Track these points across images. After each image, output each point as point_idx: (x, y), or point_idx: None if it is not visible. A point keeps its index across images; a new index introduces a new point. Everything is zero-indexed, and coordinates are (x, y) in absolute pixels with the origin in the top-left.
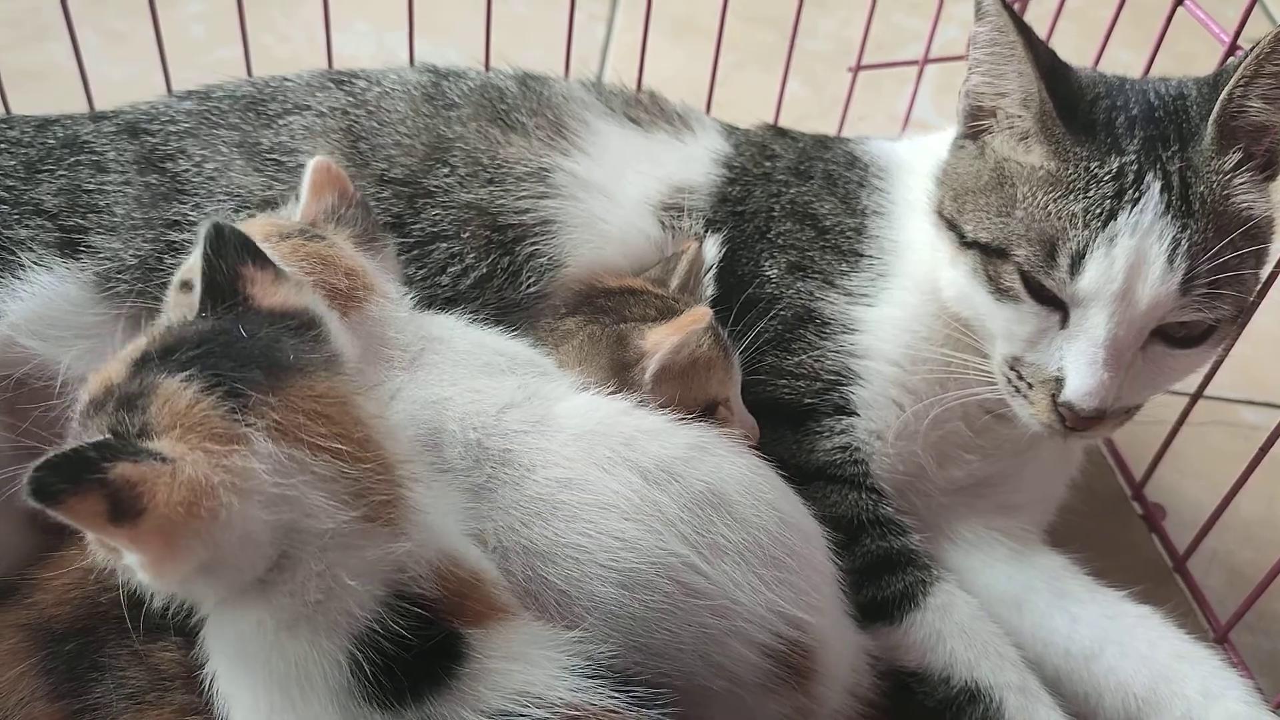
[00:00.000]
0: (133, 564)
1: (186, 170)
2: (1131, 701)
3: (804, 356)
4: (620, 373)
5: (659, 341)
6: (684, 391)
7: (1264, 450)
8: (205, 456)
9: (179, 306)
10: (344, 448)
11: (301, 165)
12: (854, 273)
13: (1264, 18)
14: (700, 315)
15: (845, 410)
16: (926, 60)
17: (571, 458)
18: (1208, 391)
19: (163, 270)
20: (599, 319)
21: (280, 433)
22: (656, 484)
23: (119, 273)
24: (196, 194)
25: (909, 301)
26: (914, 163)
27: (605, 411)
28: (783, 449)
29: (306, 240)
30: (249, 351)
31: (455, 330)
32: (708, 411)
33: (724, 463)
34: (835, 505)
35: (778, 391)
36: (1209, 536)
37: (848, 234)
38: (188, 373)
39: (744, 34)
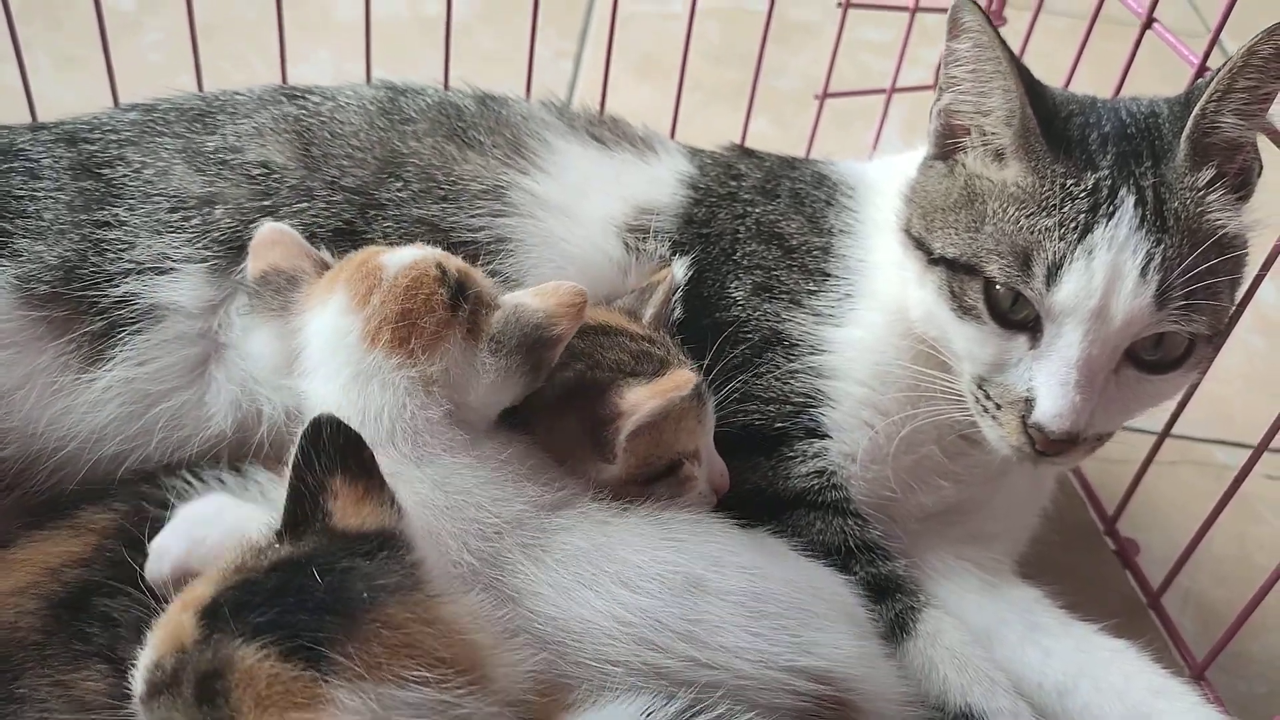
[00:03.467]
0: None
1: (124, 175)
2: None
3: (773, 380)
4: (595, 430)
5: (637, 404)
6: (652, 447)
7: (1234, 488)
8: None
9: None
10: (429, 673)
11: (248, 164)
12: (821, 293)
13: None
14: (684, 381)
15: (817, 433)
16: (894, 90)
17: (558, 584)
18: (1180, 431)
19: (84, 269)
20: (571, 364)
21: (363, 679)
22: (639, 591)
23: (39, 275)
24: (132, 197)
25: (877, 321)
26: (882, 182)
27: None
28: (759, 476)
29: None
30: (323, 598)
31: (473, 442)
32: (671, 470)
33: (695, 543)
34: (821, 533)
35: (749, 417)
36: (1182, 575)
37: (814, 253)
38: (263, 639)
39: (711, 73)
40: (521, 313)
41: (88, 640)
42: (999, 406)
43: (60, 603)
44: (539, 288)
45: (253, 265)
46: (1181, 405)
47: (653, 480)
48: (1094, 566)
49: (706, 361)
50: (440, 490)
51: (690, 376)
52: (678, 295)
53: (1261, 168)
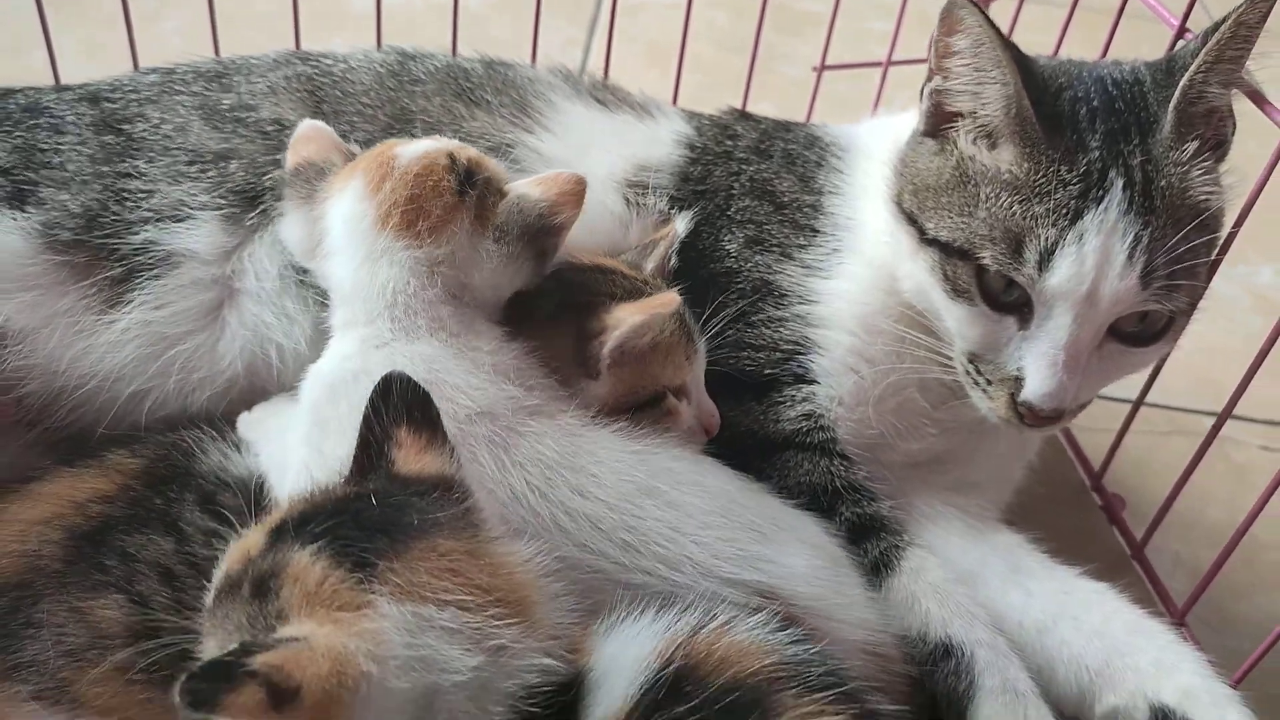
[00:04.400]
0: None
1: (143, 131)
2: (1084, 674)
3: (763, 328)
4: (581, 344)
5: (622, 319)
6: (638, 375)
7: (1210, 437)
8: (336, 627)
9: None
10: (469, 598)
11: (261, 121)
12: (810, 247)
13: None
14: (668, 300)
15: (805, 379)
16: (890, 62)
17: (511, 485)
18: (1172, 403)
19: (105, 218)
20: (567, 290)
21: (405, 593)
22: (588, 498)
23: (62, 222)
24: (152, 150)
25: (862, 275)
26: (872, 146)
27: (560, 442)
28: (750, 420)
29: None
30: (377, 520)
31: (466, 329)
32: (656, 400)
33: (660, 460)
34: (808, 474)
35: (740, 363)
36: (1177, 543)
37: (805, 210)
38: (317, 545)
39: (719, 59)
40: (524, 203)
41: (106, 572)
42: (990, 382)
43: (83, 535)
44: (541, 177)
45: (289, 158)
46: (1156, 370)
47: (637, 409)
48: (1080, 522)
49: (703, 312)
50: (423, 363)
51: (674, 296)
52: (675, 247)
53: (1235, 125)
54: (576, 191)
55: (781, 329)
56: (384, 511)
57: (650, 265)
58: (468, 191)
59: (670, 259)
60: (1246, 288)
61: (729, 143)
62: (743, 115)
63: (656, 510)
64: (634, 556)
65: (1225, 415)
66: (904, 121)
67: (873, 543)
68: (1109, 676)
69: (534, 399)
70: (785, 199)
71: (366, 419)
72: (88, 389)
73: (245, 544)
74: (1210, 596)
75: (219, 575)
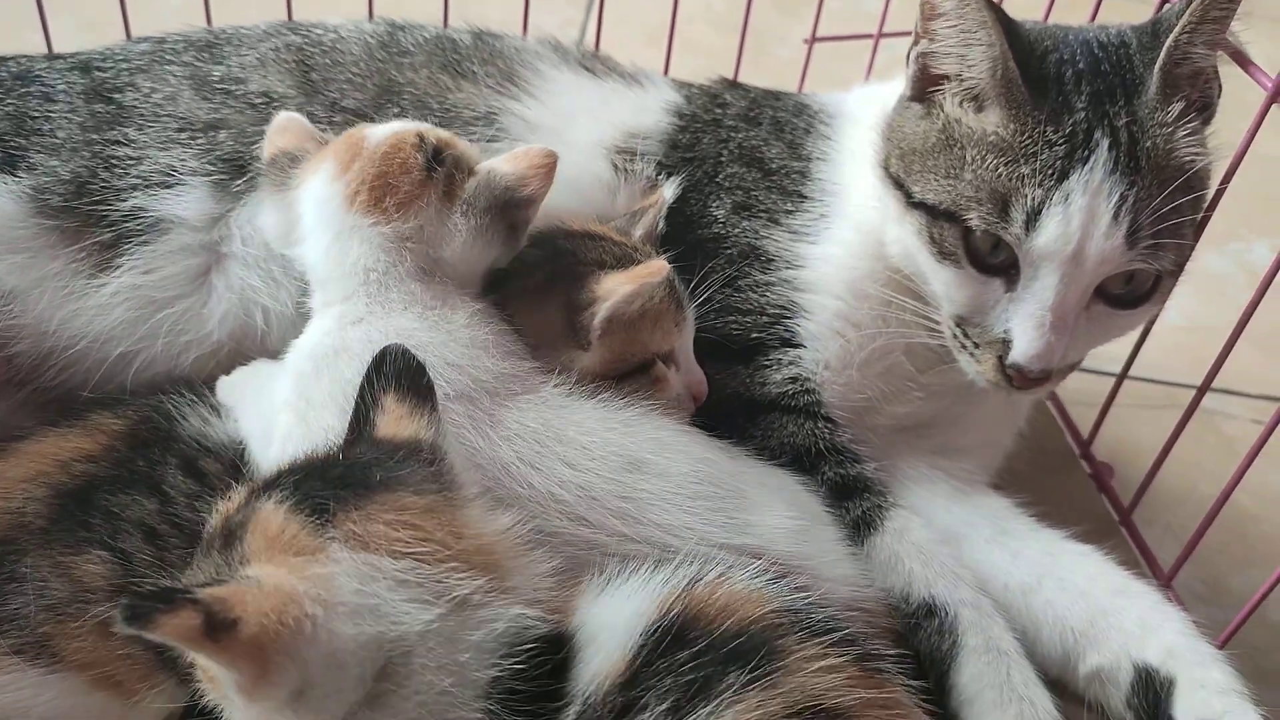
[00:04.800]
0: (230, 687)
1: (134, 100)
2: (1069, 635)
3: (750, 293)
4: (571, 314)
5: (612, 289)
6: (627, 343)
7: (1194, 403)
8: (288, 570)
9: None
10: (427, 550)
11: (250, 94)
12: (798, 212)
13: None
14: (657, 268)
15: (792, 343)
16: (881, 34)
17: (504, 460)
18: (1165, 378)
19: (94, 184)
20: (556, 258)
21: (359, 542)
22: (579, 469)
23: (52, 187)
24: (141, 117)
25: (850, 240)
26: (860, 113)
27: (545, 415)
28: (736, 383)
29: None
30: (341, 475)
31: (441, 303)
32: (644, 368)
33: (646, 430)
34: (792, 435)
35: (727, 328)
36: (1168, 514)
37: (792, 176)
38: (282, 495)
39: (716, 41)
40: (493, 177)
41: (90, 529)
42: (977, 345)
43: (67, 493)
44: (512, 153)
45: (266, 149)
46: (1141, 340)
47: (626, 377)
48: (1069, 490)
49: (691, 279)
50: (398, 337)
51: (663, 263)
52: (663, 214)
53: (1221, 88)
54: (546, 165)
55: (768, 293)
56: (350, 468)
57: (638, 232)
58: (435, 169)
59: (658, 225)
60: (1240, 264)
61: (718, 110)
62: (732, 84)
63: (648, 481)
64: (633, 525)
65: (1206, 384)
66: (892, 89)
67: (855, 502)
68: (1093, 636)
69: (513, 371)
70: (773, 165)
71: (360, 388)
72: (77, 350)
73: (228, 504)
74: (1201, 569)
75: (205, 533)
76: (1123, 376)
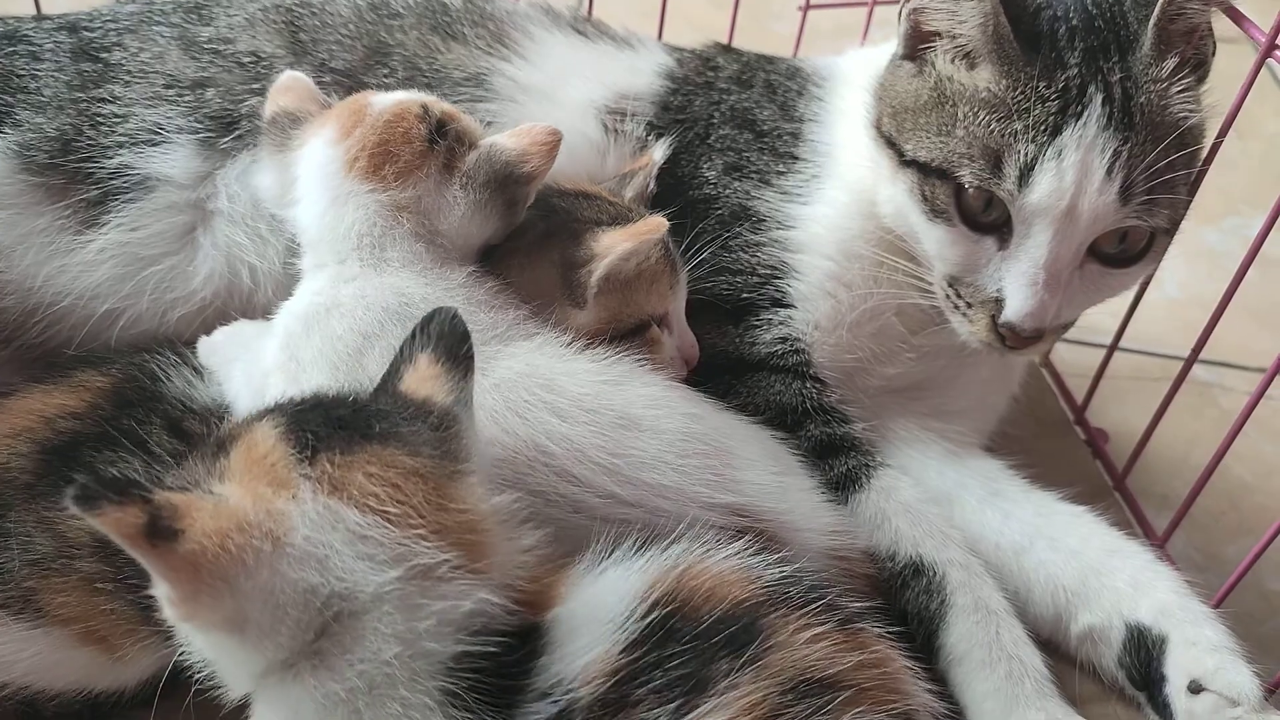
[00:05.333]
0: (163, 600)
1: (121, 59)
2: (1061, 595)
3: (741, 253)
4: (567, 272)
5: (610, 246)
6: (622, 304)
7: (1185, 369)
8: (254, 499)
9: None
10: (398, 512)
11: (239, 53)
12: (789, 174)
13: None
14: (655, 225)
15: (782, 303)
16: (876, 1)
17: (491, 407)
18: (1162, 350)
19: (80, 142)
20: (551, 217)
21: (331, 488)
22: (569, 421)
23: (38, 144)
24: (129, 76)
25: (841, 200)
26: (853, 74)
27: (537, 364)
28: (726, 342)
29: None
30: (342, 418)
31: (438, 264)
32: (638, 330)
33: (637, 385)
34: (779, 394)
35: (717, 288)
36: (1164, 486)
37: (784, 138)
38: (277, 421)
39: (712, 16)
40: (494, 151)
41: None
42: (970, 305)
43: (52, 449)
44: (516, 129)
45: (267, 108)
46: (1133, 308)
47: (620, 338)
48: (1063, 455)
49: (682, 240)
50: (393, 294)
51: (660, 220)
52: (654, 175)
53: (1215, 47)
54: (549, 143)
55: (759, 254)
56: (355, 413)
57: (629, 193)
58: (438, 141)
59: (649, 187)
60: (1240, 240)
61: (710, 73)
62: (725, 48)
63: (637, 438)
64: (622, 484)
65: (1195, 352)
66: (885, 52)
67: (840, 460)
68: (1085, 596)
69: (508, 327)
70: (765, 127)
71: (404, 343)
72: (62, 306)
73: (243, 419)
74: (1196, 538)
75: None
76: (1115, 343)
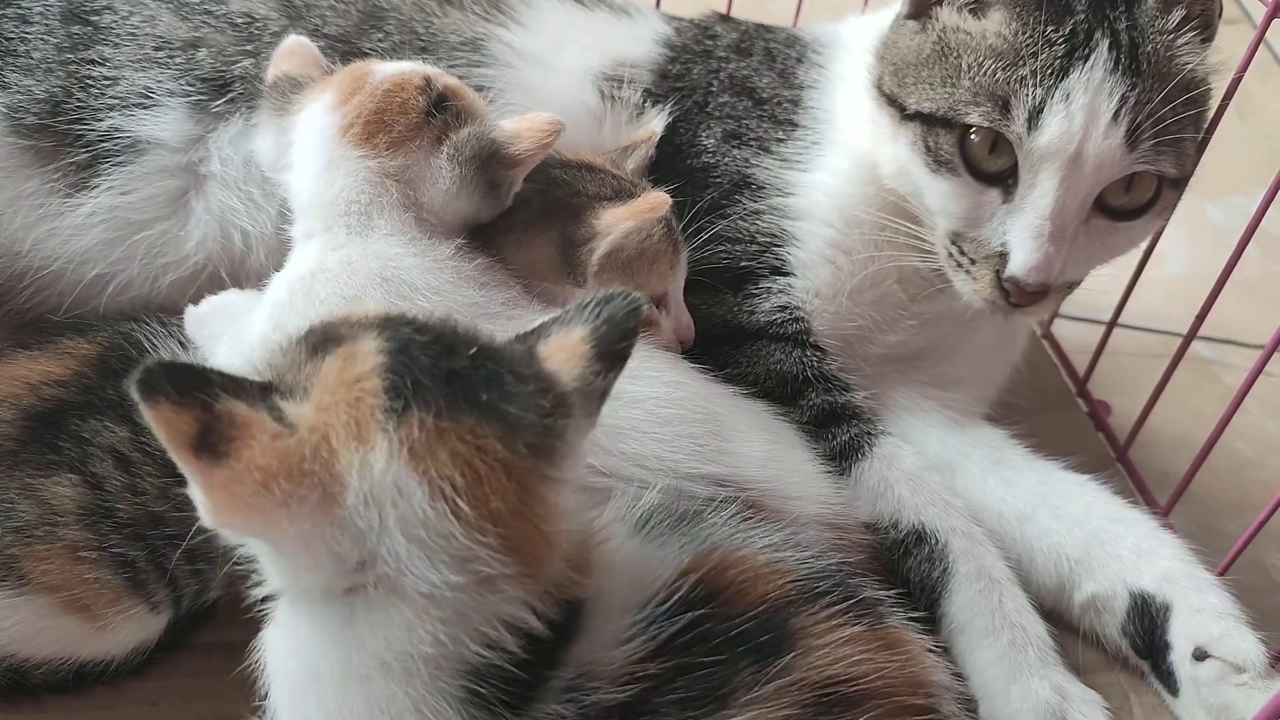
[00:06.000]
0: (194, 497)
1: (111, 21)
2: (1064, 563)
3: (740, 221)
4: (567, 250)
5: (613, 224)
6: (623, 283)
7: (1185, 343)
8: (322, 442)
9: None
10: (468, 510)
11: (231, 14)
12: (789, 141)
13: None
14: (659, 202)
15: (782, 271)
16: None
17: None
18: (1164, 327)
19: (70, 104)
20: (552, 189)
21: (412, 455)
22: None
23: (26, 106)
24: (119, 38)
25: (843, 166)
26: (853, 40)
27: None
28: (724, 311)
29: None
30: (453, 372)
31: (427, 235)
32: None
33: None
34: (780, 362)
35: (716, 257)
36: (1166, 463)
37: (784, 105)
38: (387, 345)
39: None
40: (485, 128)
41: (60, 453)
42: (973, 261)
43: (36, 415)
44: (523, 116)
45: (270, 72)
46: (1133, 283)
47: None
48: (1066, 427)
49: (679, 210)
50: (377, 259)
51: (664, 197)
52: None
53: (1222, 9)
54: (546, 129)
55: (758, 221)
56: (468, 368)
57: (632, 165)
58: (435, 115)
59: (650, 158)
60: (1244, 218)
61: (709, 42)
62: (724, 17)
63: (618, 410)
64: (602, 456)
65: (1195, 327)
66: (886, 17)
67: (842, 429)
68: (1089, 564)
69: (499, 306)
70: (765, 94)
71: (591, 303)
72: (51, 270)
73: (354, 312)
74: (1197, 513)
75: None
76: (1115, 317)
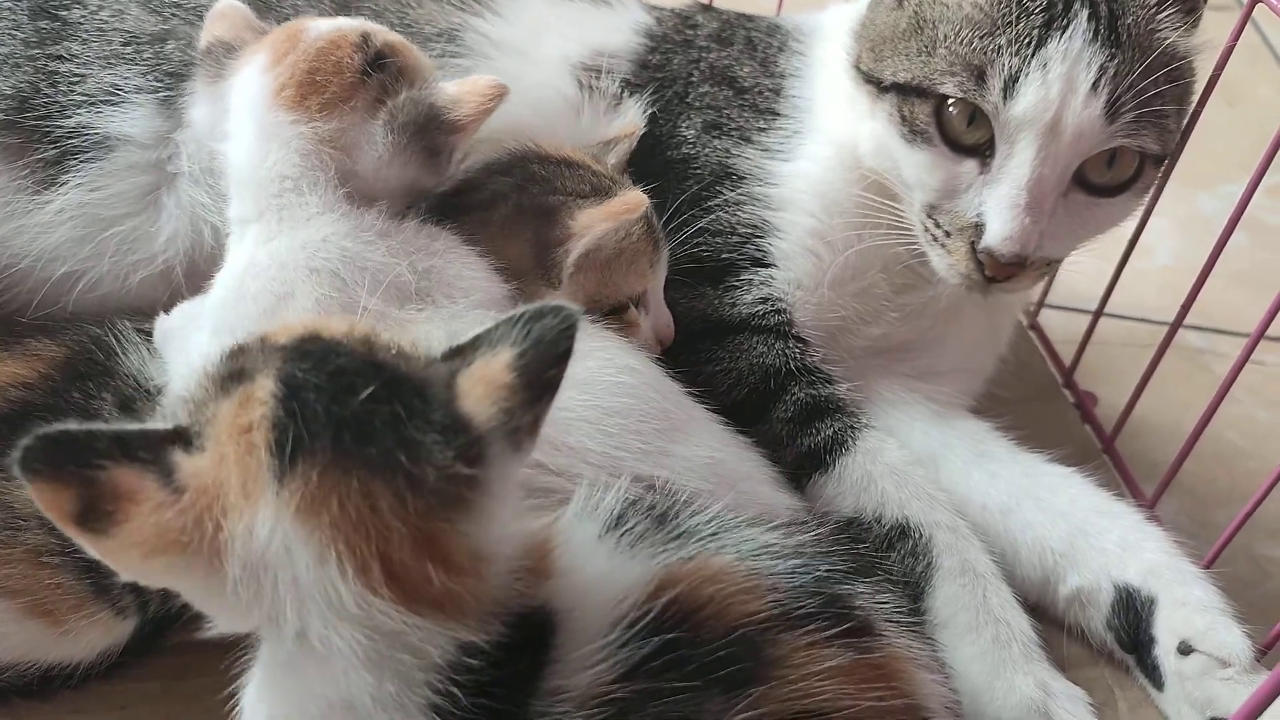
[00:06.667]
0: None
1: (80, 16)
2: (1049, 556)
3: (721, 212)
4: (541, 251)
5: (588, 225)
6: (600, 284)
7: (1171, 332)
8: (210, 506)
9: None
10: (355, 571)
11: (201, 5)
12: (770, 130)
13: None
14: (636, 203)
15: (763, 262)
16: None
17: None
18: (1154, 317)
19: (37, 100)
20: (529, 187)
21: (297, 513)
22: None
23: None
24: (86, 33)
25: (824, 155)
26: (834, 28)
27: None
28: (704, 305)
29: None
30: (349, 420)
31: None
32: (615, 312)
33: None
34: (761, 356)
35: (697, 249)
36: (1155, 452)
37: (765, 94)
38: (278, 387)
39: None
40: (424, 92)
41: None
42: (948, 234)
43: (1, 418)
44: (464, 79)
45: (202, 37)
46: (1119, 272)
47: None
48: (1052, 418)
49: (660, 201)
50: (306, 252)
51: (641, 197)
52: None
53: None
54: (489, 94)
55: (739, 212)
56: (362, 413)
57: (612, 160)
58: (371, 74)
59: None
60: (1234, 206)
61: (689, 31)
62: (705, 7)
63: (563, 399)
64: (548, 452)
65: (1181, 316)
66: (865, 4)
67: (826, 423)
68: (1073, 557)
69: (439, 292)
70: (745, 84)
71: (504, 322)
72: (19, 269)
73: (271, 334)
74: (1186, 503)
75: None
76: (1101, 306)
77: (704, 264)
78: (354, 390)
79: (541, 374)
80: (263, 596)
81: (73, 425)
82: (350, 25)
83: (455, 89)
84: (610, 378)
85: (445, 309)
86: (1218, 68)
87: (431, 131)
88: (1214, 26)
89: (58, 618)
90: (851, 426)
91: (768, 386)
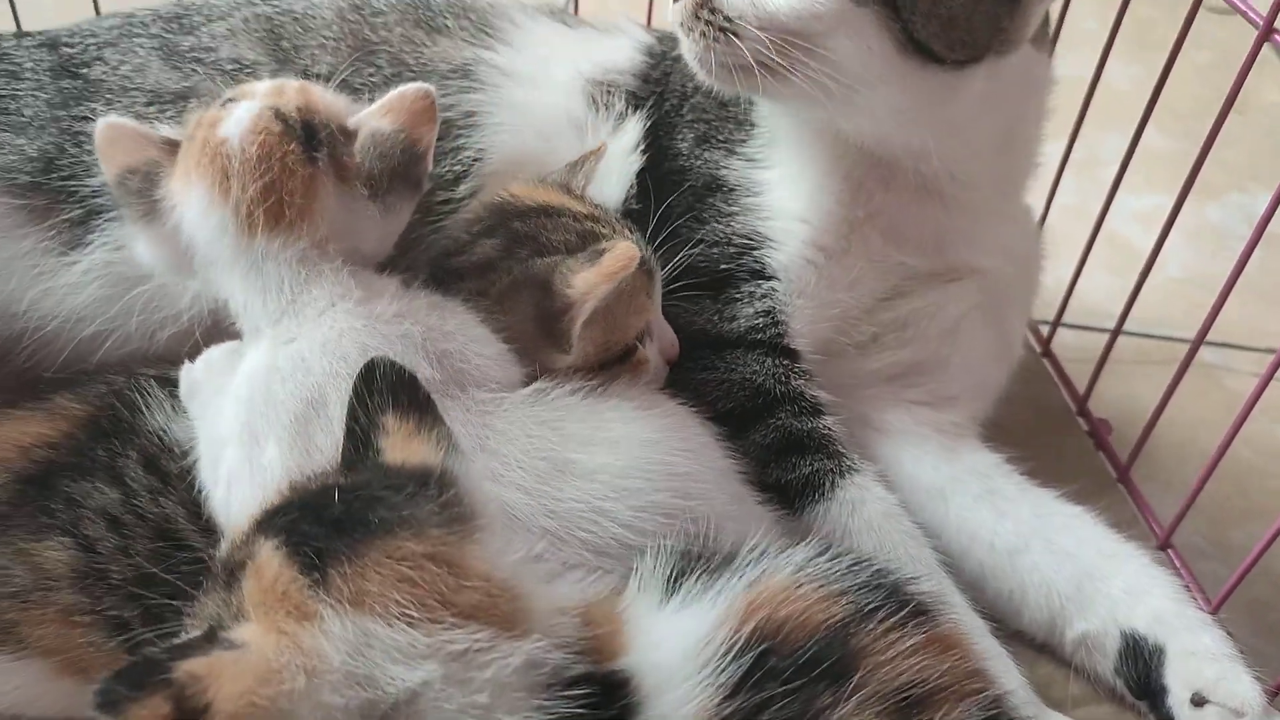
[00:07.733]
0: None
1: (102, 74)
2: (1055, 599)
3: (715, 224)
4: (546, 322)
5: (587, 290)
6: (608, 331)
7: (1190, 354)
8: (278, 638)
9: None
10: (418, 610)
11: (220, 60)
12: (750, 140)
13: None
14: (629, 258)
15: (763, 275)
16: None
17: None
18: (1163, 331)
19: (63, 161)
20: (516, 251)
21: (352, 604)
22: (502, 483)
23: (19, 166)
24: (110, 93)
25: (795, 156)
26: None
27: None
28: (704, 319)
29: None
30: (338, 517)
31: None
32: (624, 355)
33: (571, 424)
34: (755, 374)
35: (694, 261)
36: (1171, 474)
37: (743, 104)
38: (278, 539)
39: None
40: (380, 140)
41: (52, 515)
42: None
43: (28, 479)
44: (384, 102)
45: (105, 171)
46: (1136, 291)
47: (608, 366)
48: (1066, 447)
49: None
50: (330, 357)
51: (633, 249)
52: (638, 148)
53: None
54: (426, 107)
55: (732, 223)
56: (349, 508)
57: (580, 181)
58: (316, 153)
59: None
60: (1243, 216)
61: None
62: None
63: (573, 488)
64: (559, 545)
65: (1201, 336)
66: None
67: (805, 460)
68: (1080, 602)
69: (442, 375)
70: (728, 96)
71: (351, 407)
72: (48, 330)
73: (239, 529)
74: (1202, 523)
75: (217, 557)
76: (1117, 331)
77: (703, 276)
78: (328, 501)
79: (414, 401)
80: (373, 682)
81: (130, 659)
82: (257, 113)
83: (393, 119)
84: (614, 461)
85: (460, 400)
86: (1232, 93)
87: (411, 169)
88: (1223, 33)
89: (92, 675)
90: (831, 470)
91: (755, 405)
